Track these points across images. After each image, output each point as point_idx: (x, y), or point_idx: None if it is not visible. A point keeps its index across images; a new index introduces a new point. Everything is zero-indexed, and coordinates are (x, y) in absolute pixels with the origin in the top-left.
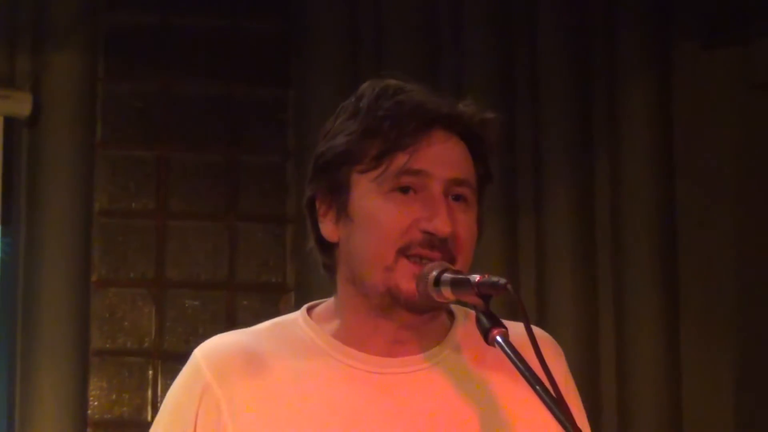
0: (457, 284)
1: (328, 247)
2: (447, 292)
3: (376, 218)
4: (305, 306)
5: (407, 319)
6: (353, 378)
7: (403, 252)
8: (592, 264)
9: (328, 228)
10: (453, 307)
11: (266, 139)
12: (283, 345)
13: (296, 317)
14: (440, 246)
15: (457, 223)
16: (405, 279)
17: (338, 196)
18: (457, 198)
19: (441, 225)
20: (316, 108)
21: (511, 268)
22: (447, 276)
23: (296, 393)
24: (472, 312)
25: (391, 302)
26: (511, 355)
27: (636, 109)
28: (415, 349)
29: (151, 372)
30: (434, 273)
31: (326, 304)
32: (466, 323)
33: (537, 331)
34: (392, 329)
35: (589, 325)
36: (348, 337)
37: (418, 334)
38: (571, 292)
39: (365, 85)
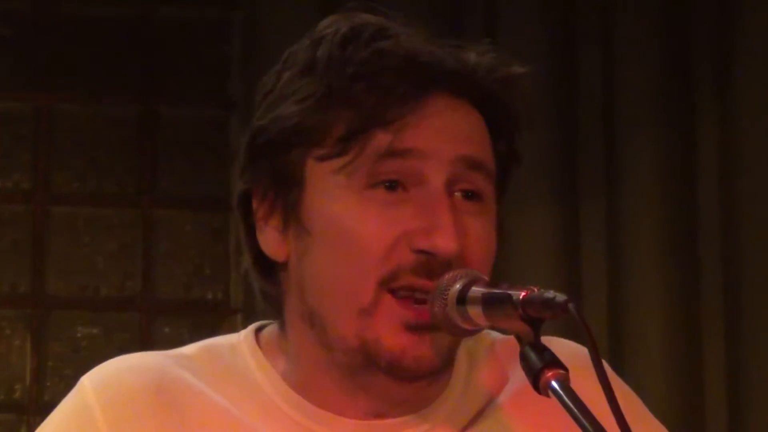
0: (492, 303)
1: (270, 268)
2: (477, 315)
3: (345, 232)
4: (251, 327)
5: (390, 390)
6: None
7: (387, 284)
8: (691, 270)
9: (270, 240)
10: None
11: (199, 84)
12: (218, 382)
13: (237, 343)
14: (442, 272)
15: (469, 233)
16: (390, 329)
17: (285, 193)
18: (468, 195)
19: (444, 240)
20: (274, 36)
21: (572, 277)
22: (477, 290)
23: None
24: (488, 334)
25: (366, 364)
26: (574, 409)
27: (757, 48)
28: (399, 411)
29: None
30: (457, 285)
31: (276, 332)
32: (473, 360)
33: (566, 345)
34: (367, 400)
35: (689, 355)
36: (306, 389)
37: (406, 403)
38: (660, 309)
39: (325, 23)
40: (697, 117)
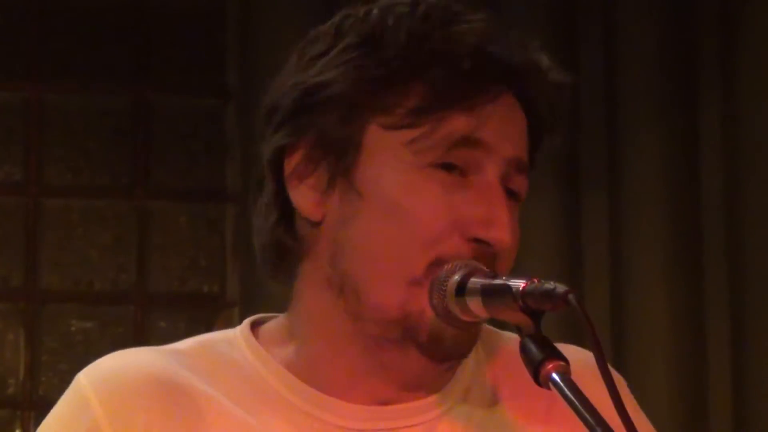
0: (491, 294)
1: (296, 226)
2: (477, 307)
3: (403, 204)
4: (247, 320)
5: (420, 366)
6: None
7: (438, 265)
8: (694, 263)
9: (307, 198)
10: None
11: (193, 73)
12: (216, 377)
13: (234, 336)
14: (490, 262)
15: (514, 229)
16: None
17: (338, 154)
18: (512, 194)
19: (502, 233)
20: (269, 25)
21: (573, 269)
22: (476, 281)
23: None
24: (487, 328)
25: (402, 337)
26: (575, 401)
27: (761, 40)
28: (409, 396)
29: (19, 431)
30: (456, 277)
31: (277, 322)
32: (479, 350)
33: (577, 352)
34: (390, 377)
35: (692, 346)
36: (310, 373)
37: (420, 389)
38: (662, 301)
39: None
40: (701, 108)
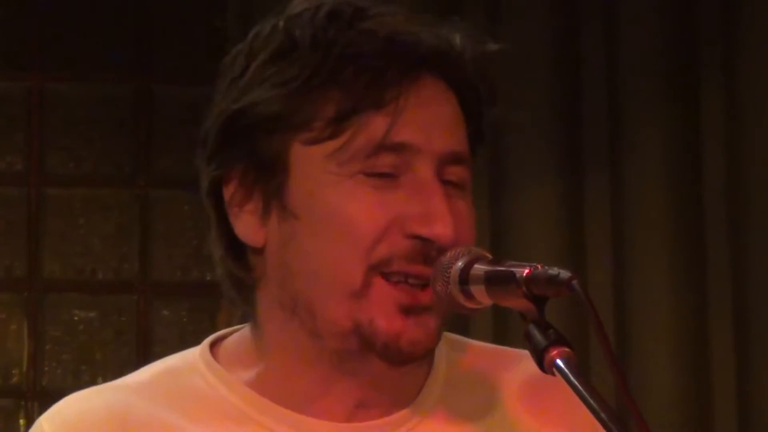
0: (495, 280)
1: (243, 254)
2: (480, 294)
3: (337, 216)
4: (207, 341)
5: (381, 372)
6: None
7: (379, 269)
8: (697, 245)
9: (247, 226)
10: None
11: (194, 61)
12: (181, 406)
13: (193, 360)
14: (438, 257)
15: (459, 219)
16: (384, 311)
17: (267, 178)
18: (452, 185)
19: (442, 227)
20: (270, 12)
21: (576, 253)
22: (480, 268)
23: None
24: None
25: (360, 347)
26: (579, 387)
27: (764, 20)
28: (389, 408)
29: (22, 421)
30: (459, 263)
31: (238, 339)
32: (449, 354)
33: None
34: (354, 388)
35: (695, 342)
36: (281, 392)
37: (393, 388)
38: (666, 284)
39: (296, 3)
40: (702, 93)
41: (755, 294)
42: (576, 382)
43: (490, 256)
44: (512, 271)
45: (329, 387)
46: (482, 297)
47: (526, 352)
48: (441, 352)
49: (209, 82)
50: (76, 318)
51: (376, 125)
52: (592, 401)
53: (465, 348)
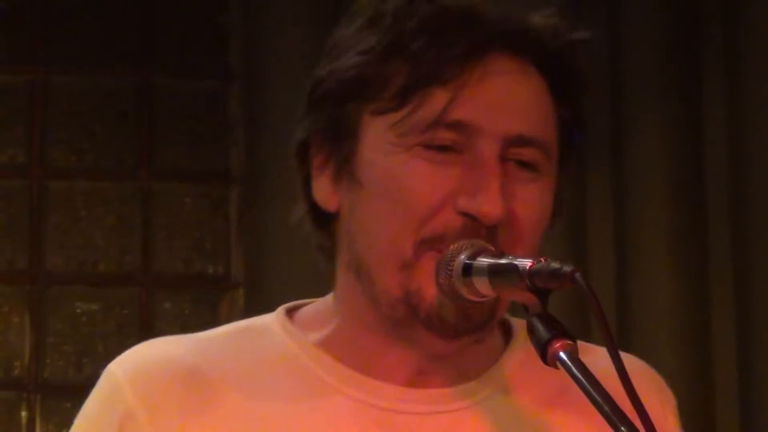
0: (498, 273)
1: (323, 218)
2: (483, 286)
3: (393, 187)
4: (282, 307)
5: (433, 345)
6: (357, 417)
7: (431, 245)
8: (700, 239)
9: (323, 190)
10: (514, 319)
11: (197, 55)
12: (250, 363)
13: (270, 321)
14: (486, 237)
15: (516, 199)
16: (432, 281)
17: (340, 144)
18: (522, 164)
19: (488, 204)
20: (273, 5)
21: (578, 246)
22: (483, 261)
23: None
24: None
25: (407, 316)
26: (582, 380)
27: (766, 10)
28: (452, 380)
29: (24, 414)
30: (462, 256)
31: (315, 306)
32: (528, 344)
33: (629, 360)
34: (411, 356)
35: (697, 334)
36: (347, 352)
37: (455, 363)
38: (668, 278)
39: None
40: (704, 86)
41: (757, 287)
42: (579, 375)
43: (493, 249)
44: (515, 264)
45: (388, 352)
46: (485, 289)
47: (602, 349)
48: (519, 340)
49: (212, 75)
50: (78, 310)
51: (437, 100)
52: (595, 394)
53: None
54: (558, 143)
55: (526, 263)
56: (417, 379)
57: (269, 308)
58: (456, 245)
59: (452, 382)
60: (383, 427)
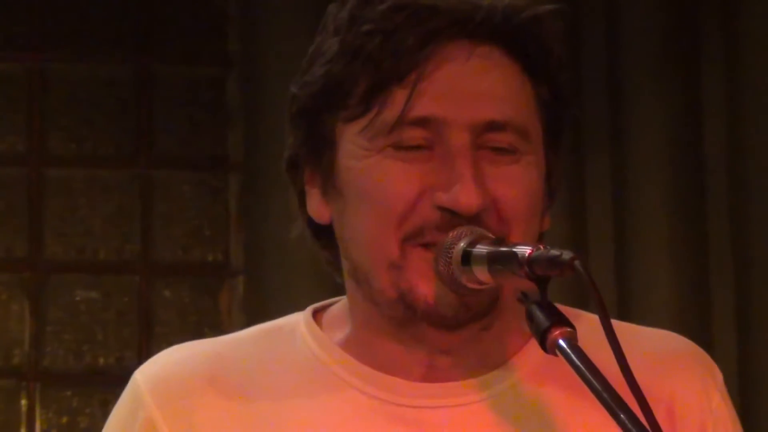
0: (497, 261)
1: (321, 231)
2: (482, 274)
3: (369, 190)
4: (311, 307)
5: (439, 339)
6: (373, 413)
7: (413, 240)
8: (699, 225)
9: (315, 204)
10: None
11: (196, 42)
12: (274, 365)
13: (297, 322)
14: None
15: (498, 182)
16: (423, 277)
17: (320, 156)
18: (500, 150)
19: (464, 196)
20: None
21: (577, 233)
22: (482, 248)
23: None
24: (584, 316)
25: (406, 315)
26: (581, 368)
27: None
28: (470, 372)
29: (24, 402)
30: (462, 244)
31: (338, 307)
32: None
33: (666, 339)
34: (421, 352)
35: (698, 315)
36: (365, 353)
37: (470, 354)
38: (667, 264)
39: None
40: (703, 72)
41: (757, 272)
42: (578, 362)
43: (492, 237)
44: (514, 252)
45: (400, 351)
46: (484, 277)
47: (640, 329)
48: None
49: (210, 62)
50: (77, 298)
51: (397, 100)
52: (594, 381)
53: (577, 318)
54: (541, 123)
55: (526, 250)
56: (433, 374)
57: (268, 296)
58: (455, 232)
59: (470, 374)
60: (397, 422)
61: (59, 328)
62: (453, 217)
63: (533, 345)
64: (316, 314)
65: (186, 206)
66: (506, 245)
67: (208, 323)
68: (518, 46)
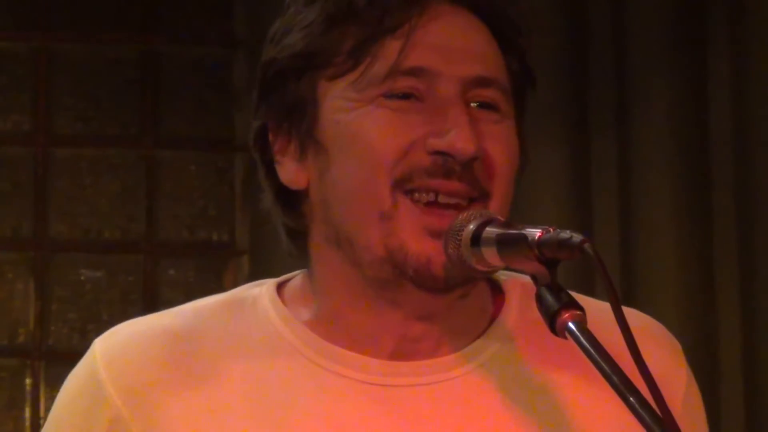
0: (507, 243)
1: (292, 200)
2: (492, 256)
3: (359, 138)
4: (274, 281)
5: (422, 302)
6: (344, 393)
7: (401, 186)
8: (704, 207)
9: (289, 171)
10: (499, 276)
11: (202, 22)
12: (238, 338)
13: (259, 295)
14: (462, 174)
15: (485, 138)
16: (414, 234)
17: (300, 118)
18: (485, 106)
19: (460, 140)
20: None
21: (583, 215)
22: (492, 230)
23: (257, 417)
24: (529, 282)
25: (394, 275)
26: (591, 351)
27: None
28: (441, 347)
29: (29, 381)
30: (471, 226)
31: (299, 281)
32: (522, 301)
33: (637, 317)
34: (399, 320)
35: (703, 298)
36: (332, 329)
37: (443, 325)
38: (672, 246)
39: None
40: (709, 54)
41: (761, 251)
42: (587, 345)
43: (502, 219)
44: (524, 234)
45: (374, 321)
46: (494, 259)
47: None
48: (513, 298)
49: (215, 42)
50: (82, 278)
51: (390, 50)
52: (603, 364)
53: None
54: (512, 92)
55: (536, 233)
56: (402, 349)
57: (273, 275)
58: (465, 214)
59: (437, 353)
60: (369, 401)
61: (64, 307)
62: (446, 162)
63: (497, 326)
64: (279, 288)
65: (191, 186)
66: (516, 227)
67: None
68: (492, 16)
